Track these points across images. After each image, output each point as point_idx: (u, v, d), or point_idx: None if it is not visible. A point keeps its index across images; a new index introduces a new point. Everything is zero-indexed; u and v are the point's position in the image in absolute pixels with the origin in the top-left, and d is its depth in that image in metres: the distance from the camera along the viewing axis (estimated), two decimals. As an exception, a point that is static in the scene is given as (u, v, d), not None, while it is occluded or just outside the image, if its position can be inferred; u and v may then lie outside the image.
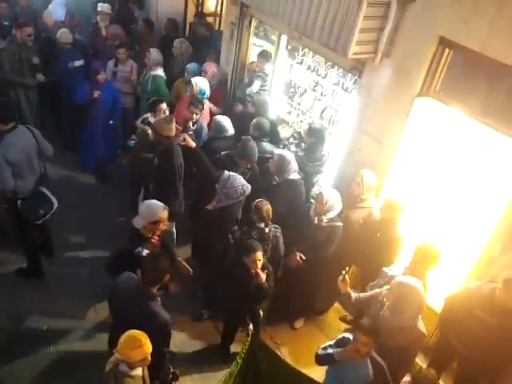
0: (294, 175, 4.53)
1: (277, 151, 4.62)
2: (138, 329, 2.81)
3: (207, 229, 4.33)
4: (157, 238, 3.85)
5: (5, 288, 4.57)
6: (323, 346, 3.24)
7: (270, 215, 4.05)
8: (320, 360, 3.23)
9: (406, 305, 3.20)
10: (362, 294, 3.66)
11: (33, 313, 4.50)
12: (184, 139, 4.59)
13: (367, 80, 4.51)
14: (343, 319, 4.85)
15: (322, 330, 4.77)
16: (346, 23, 3.92)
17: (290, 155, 4.53)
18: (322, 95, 5.36)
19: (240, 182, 4.17)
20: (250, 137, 4.70)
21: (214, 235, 4.30)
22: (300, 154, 5.06)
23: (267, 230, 4.06)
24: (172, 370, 3.65)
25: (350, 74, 4.85)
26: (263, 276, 3.69)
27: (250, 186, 4.21)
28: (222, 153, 4.82)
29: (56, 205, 4.51)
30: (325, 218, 4.11)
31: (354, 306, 3.75)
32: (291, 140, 5.54)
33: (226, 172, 4.25)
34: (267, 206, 4.02)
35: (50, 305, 4.57)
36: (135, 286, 3.14)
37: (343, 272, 3.57)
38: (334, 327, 4.76)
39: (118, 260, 3.66)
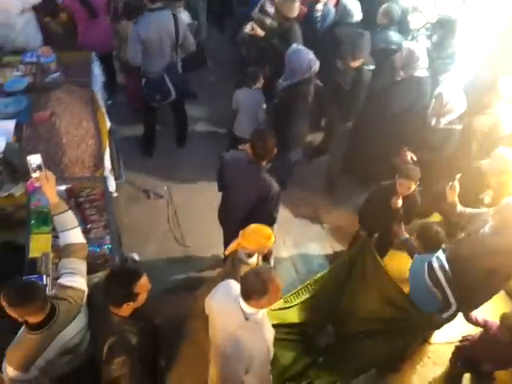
0: (422, 72, 4.19)
1: (406, 44, 4.24)
2: (251, 198, 3.06)
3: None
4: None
5: (134, 153, 5.24)
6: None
7: None
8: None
9: (510, 228, 3.07)
10: (468, 209, 3.53)
11: (156, 174, 5.14)
12: (252, 28, 4.66)
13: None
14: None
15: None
16: None
17: (421, 50, 4.14)
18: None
19: (307, 55, 4.00)
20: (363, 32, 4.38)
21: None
22: (429, 47, 4.65)
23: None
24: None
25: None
26: (399, 202, 3.60)
27: (317, 63, 4.00)
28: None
29: (173, 96, 4.68)
30: (443, 120, 3.90)
31: (457, 218, 3.62)
32: (422, 31, 5.07)
33: (294, 45, 4.11)
34: None
35: (171, 171, 5.18)
36: (246, 160, 3.30)
37: (454, 179, 3.47)
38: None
39: None
